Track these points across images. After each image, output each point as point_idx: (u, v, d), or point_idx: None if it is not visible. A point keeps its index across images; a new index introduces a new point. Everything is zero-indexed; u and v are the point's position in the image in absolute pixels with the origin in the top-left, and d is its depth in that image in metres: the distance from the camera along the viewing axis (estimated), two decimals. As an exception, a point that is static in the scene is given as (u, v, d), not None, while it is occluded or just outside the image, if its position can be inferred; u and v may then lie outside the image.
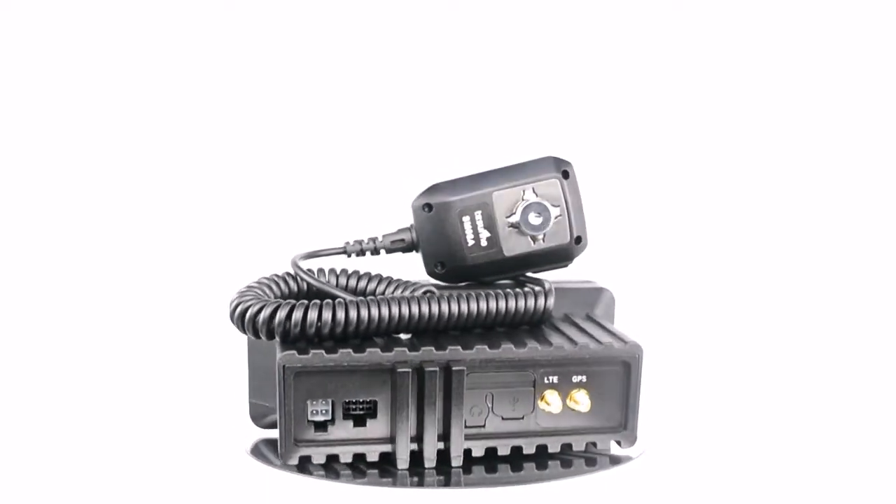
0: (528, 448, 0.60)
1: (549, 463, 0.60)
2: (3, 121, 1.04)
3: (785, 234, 1.02)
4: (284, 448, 0.56)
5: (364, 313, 0.58)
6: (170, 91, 1.04)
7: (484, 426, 0.59)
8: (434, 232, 0.67)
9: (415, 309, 0.59)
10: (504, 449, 0.59)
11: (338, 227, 0.72)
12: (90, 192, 1.04)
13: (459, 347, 0.57)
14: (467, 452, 0.59)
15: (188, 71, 1.04)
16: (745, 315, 0.94)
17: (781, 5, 1.02)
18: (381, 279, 0.66)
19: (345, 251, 0.68)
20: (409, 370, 0.56)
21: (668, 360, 0.75)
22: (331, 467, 0.58)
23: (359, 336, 0.58)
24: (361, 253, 0.68)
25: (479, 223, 0.66)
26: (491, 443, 0.59)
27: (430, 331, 0.60)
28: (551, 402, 0.58)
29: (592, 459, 0.62)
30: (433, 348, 0.57)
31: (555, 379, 0.59)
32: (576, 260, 0.70)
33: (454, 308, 0.59)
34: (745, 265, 1.00)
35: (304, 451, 0.57)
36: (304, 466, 0.58)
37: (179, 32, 1.04)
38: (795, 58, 1.03)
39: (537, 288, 0.63)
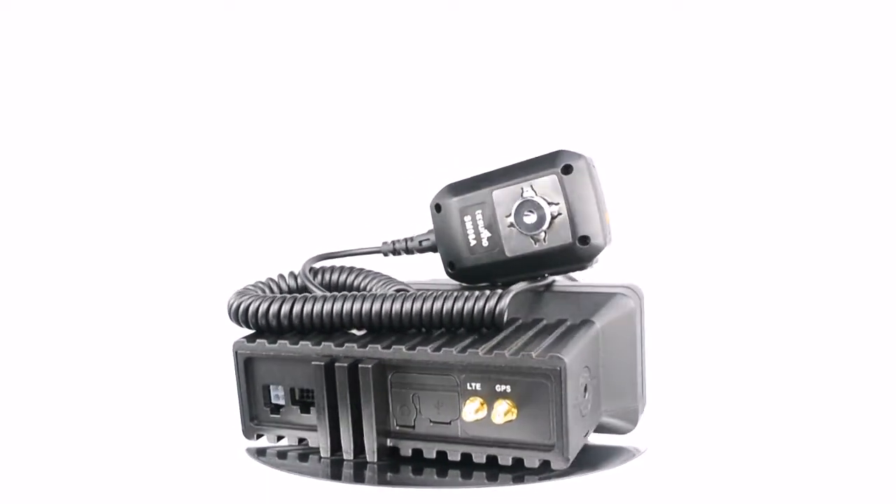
0: (453, 455, 0.57)
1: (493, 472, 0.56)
2: (12, 124, 1.09)
3: (789, 235, 1.01)
4: (243, 425, 0.62)
5: (309, 308, 0.60)
6: (187, 96, 1.08)
7: (413, 427, 0.58)
8: (443, 232, 0.66)
9: (366, 306, 0.60)
10: (429, 452, 0.57)
11: (376, 226, 0.75)
12: (106, 196, 1.08)
13: (378, 346, 0.57)
14: (395, 451, 0.58)
15: (206, 75, 1.08)
16: (746, 316, 0.93)
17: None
18: (368, 275, 0.67)
19: (381, 251, 0.70)
20: (322, 364, 0.58)
21: (668, 362, 0.73)
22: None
23: (321, 329, 0.61)
24: (395, 252, 0.70)
25: (480, 223, 0.64)
26: (418, 444, 0.58)
27: (387, 328, 0.60)
28: (472, 409, 0.55)
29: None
30: (355, 345, 0.58)
31: (477, 386, 0.55)
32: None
33: (398, 307, 0.59)
34: (746, 266, 1.00)
35: (259, 430, 0.62)
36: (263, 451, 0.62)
37: (200, 37, 1.07)
38: (812, 54, 1.02)
39: (493, 291, 0.59)
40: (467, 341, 0.57)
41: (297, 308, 0.60)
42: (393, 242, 0.70)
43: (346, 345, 0.58)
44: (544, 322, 0.62)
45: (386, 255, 0.70)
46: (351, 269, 0.68)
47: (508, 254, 0.63)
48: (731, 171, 1.04)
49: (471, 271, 0.65)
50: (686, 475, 0.58)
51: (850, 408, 0.71)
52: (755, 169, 1.04)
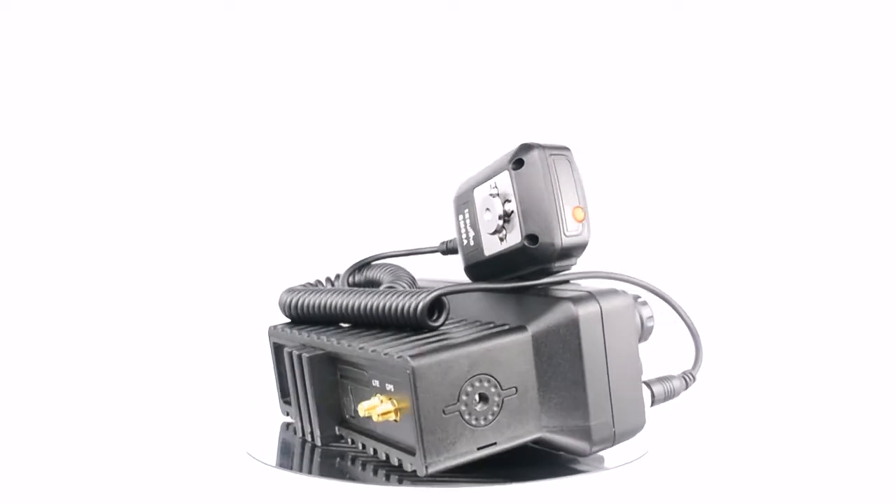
0: (367, 447, 0.58)
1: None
2: (15, 125, 1.09)
3: (786, 236, 1.02)
4: (279, 401, 0.70)
5: (305, 301, 0.66)
6: (209, 104, 1.07)
7: (354, 417, 0.60)
8: (455, 231, 0.66)
9: (327, 300, 0.64)
10: (357, 444, 0.59)
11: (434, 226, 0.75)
12: (134, 200, 1.08)
13: (315, 337, 0.61)
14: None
15: (226, 82, 1.07)
16: (745, 316, 0.94)
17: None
18: (391, 273, 0.69)
19: (437, 250, 0.72)
20: (289, 352, 0.63)
21: (668, 362, 0.69)
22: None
23: (326, 322, 0.66)
24: (449, 252, 0.71)
25: (468, 222, 0.63)
26: (352, 434, 0.60)
27: (360, 323, 0.62)
28: (366, 406, 0.56)
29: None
30: (325, 337, 0.62)
31: (376, 383, 0.56)
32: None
33: (346, 302, 0.62)
34: (745, 268, 1.00)
35: (286, 408, 0.69)
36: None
37: (225, 44, 1.07)
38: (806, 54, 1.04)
39: (425, 291, 0.58)
40: (385, 338, 0.58)
41: (301, 301, 0.67)
42: (445, 243, 0.71)
43: (321, 336, 0.62)
44: (475, 323, 0.59)
45: (444, 253, 0.71)
46: (383, 266, 0.71)
47: (486, 253, 0.61)
48: (733, 173, 1.05)
49: (470, 271, 0.64)
50: (685, 476, 0.58)
51: (849, 408, 0.72)
52: (756, 170, 1.05)
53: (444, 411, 0.53)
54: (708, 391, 0.72)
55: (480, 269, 0.62)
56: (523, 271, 0.59)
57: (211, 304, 0.99)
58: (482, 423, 0.54)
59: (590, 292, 0.56)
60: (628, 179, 1.09)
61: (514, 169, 0.57)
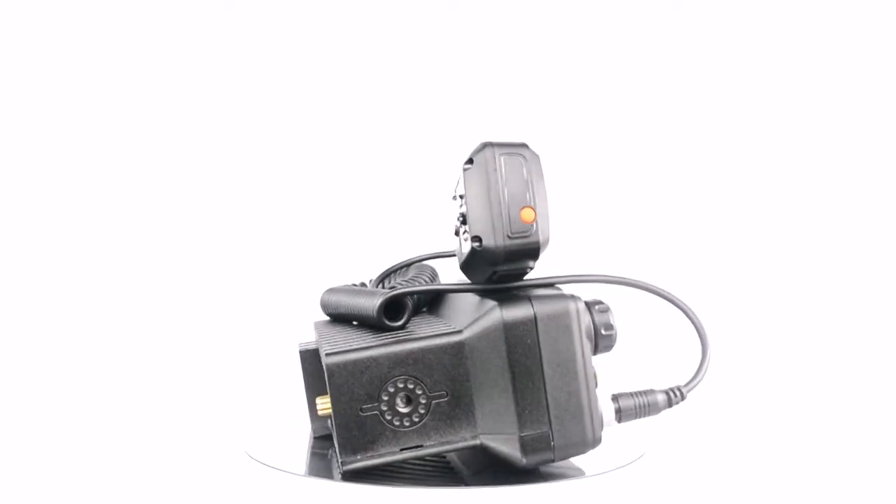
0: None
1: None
2: (15, 126, 1.08)
3: (782, 236, 1.04)
4: None
5: (324, 300, 0.68)
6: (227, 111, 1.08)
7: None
8: None
9: (334, 299, 0.66)
10: None
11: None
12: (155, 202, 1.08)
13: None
14: None
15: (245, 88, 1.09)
16: (745, 317, 0.95)
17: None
18: (417, 272, 0.70)
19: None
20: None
21: (667, 363, 0.70)
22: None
23: (344, 320, 0.67)
24: None
25: (459, 222, 0.62)
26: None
27: (353, 320, 0.64)
28: (322, 402, 0.56)
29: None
30: None
31: None
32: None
33: (332, 299, 0.63)
34: (744, 268, 1.02)
35: None
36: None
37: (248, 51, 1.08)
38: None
39: (385, 292, 0.59)
40: (348, 335, 0.59)
41: (323, 300, 0.69)
42: None
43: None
44: (439, 324, 0.59)
45: None
46: (416, 266, 0.72)
47: (461, 255, 0.60)
48: (729, 173, 1.06)
49: (465, 272, 0.63)
50: (685, 476, 0.58)
51: (848, 408, 0.72)
52: (753, 171, 1.06)
53: (361, 410, 0.54)
54: (707, 391, 0.69)
55: (462, 270, 0.62)
56: (485, 273, 0.58)
57: (211, 303, 1.01)
58: (406, 424, 0.55)
59: (528, 296, 0.55)
60: (635, 180, 1.09)
61: (466, 169, 0.57)
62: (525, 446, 0.54)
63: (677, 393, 0.59)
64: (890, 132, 1.04)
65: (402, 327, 0.59)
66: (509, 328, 0.54)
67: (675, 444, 0.64)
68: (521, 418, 0.54)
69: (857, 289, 0.99)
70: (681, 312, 0.60)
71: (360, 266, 0.77)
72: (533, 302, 0.55)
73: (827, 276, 1.01)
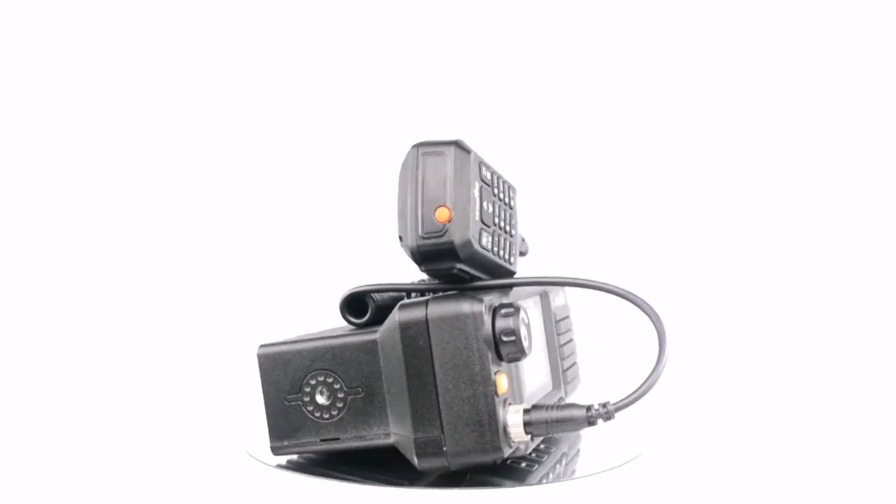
0: None
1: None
2: (15, 126, 1.07)
3: (780, 236, 1.03)
4: None
5: None
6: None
7: None
8: None
9: None
10: None
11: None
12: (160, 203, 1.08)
13: None
14: None
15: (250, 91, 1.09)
16: (743, 317, 0.95)
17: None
18: None
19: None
20: None
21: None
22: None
23: None
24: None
25: None
26: None
27: None
28: None
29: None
30: None
31: None
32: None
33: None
34: (743, 268, 1.01)
35: None
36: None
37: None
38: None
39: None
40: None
41: None
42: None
43: None
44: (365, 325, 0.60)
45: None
46: None
47: None
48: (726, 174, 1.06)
49: None
50: (682, 477, 0.58)
51: (847, 408, 0.72)
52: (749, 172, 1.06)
53: (286, 400, 0.57)
54: (705, 391, 0.73)
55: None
56: (433, 272, 0.56)
57: (211, 303, 1.00)
58: (326, 417, 0.57)
59: (427, 299, 0.54)
60: (633, 180, 1.09)
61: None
62: (418, 449, 0.54)
63: (602, 411, 0.54)
64: (886, 132, 1.05)
65: (366, 324, 0.59)
66: (403, 329, 0.53)
67: (672, 444, 0.64)
68: (415, 421, 0.54)
69: (856, 289, 0.99)
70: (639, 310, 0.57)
71: (360, 266, 0.76)
72: (428, 304, 0.53)
73: (826, 276, 1.01)
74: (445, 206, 0.53)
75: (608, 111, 1.13)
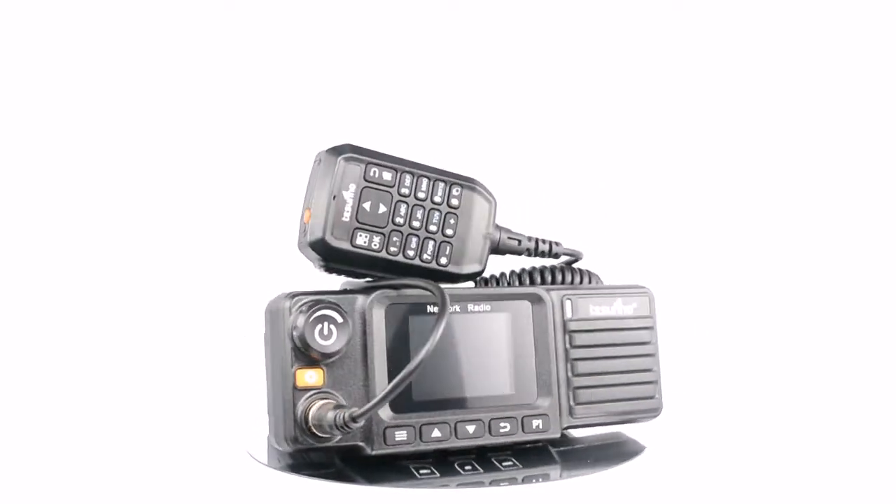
0: None
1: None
2: (14, 127, 1.05)
3: (782, 237, 1.03)
4: None
5: None
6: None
7: None
8: None
9: None
10: None
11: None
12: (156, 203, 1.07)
13: None
14: None
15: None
16: (743, 318, 0.95)
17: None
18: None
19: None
20: None
21: (667, 363, 0.67)
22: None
23: None
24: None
25: None
26: None
27: None
28: None
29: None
30: None
31: None
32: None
33: None
34: (743, 268, 1.01)
35: None
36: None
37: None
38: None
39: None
40: None
41: None
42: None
43: None
44: None
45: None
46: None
47: None
48: (725, 174, 1.06)
49: None
50: (684, 476, 0.58)
51: (847, 408, 0.72)
52: (747, 172, 1.06)
53: None
54: (704, 391, 0.73)
55: None
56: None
57: (212, 303, 1.00)
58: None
59: (295, 292, 0.56)
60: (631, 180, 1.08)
61: None
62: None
63: (345, 420, 0.53)
64: (886, 133, 1.04)
65: None
66: (266, 315, 0.58)
67: (671, 444, 0.64)
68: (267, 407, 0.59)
69: (855, 289, 0.99)
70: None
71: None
72: (278, 297, 0.57)
73: (825, 277, 1.01)
74: (308, 209, 0.57)
75: (608, 111, 1.13)
